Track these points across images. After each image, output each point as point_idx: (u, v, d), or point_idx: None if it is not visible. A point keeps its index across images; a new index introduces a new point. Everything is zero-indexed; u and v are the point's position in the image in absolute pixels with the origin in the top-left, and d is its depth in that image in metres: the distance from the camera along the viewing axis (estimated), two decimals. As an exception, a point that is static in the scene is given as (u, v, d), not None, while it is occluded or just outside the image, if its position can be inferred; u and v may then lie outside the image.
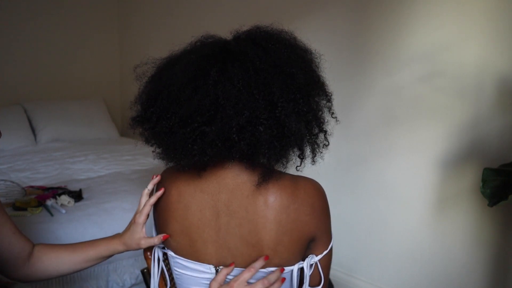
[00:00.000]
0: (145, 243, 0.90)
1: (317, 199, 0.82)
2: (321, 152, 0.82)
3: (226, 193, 0.81)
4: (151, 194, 0.91)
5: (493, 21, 1.49)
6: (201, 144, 0.74)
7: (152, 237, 0.89)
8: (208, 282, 0.85)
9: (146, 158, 2.59)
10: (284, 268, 0.81)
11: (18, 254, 0.90)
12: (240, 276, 0.78)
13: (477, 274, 1.61)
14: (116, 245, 0.94)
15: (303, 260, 0.85)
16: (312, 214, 0.81)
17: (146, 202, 0.89)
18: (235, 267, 0.82)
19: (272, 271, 0.79)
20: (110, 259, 1.71)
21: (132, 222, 0.92)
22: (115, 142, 3.18)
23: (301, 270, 0.85)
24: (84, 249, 0.95)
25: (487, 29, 1.51)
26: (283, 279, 0.80)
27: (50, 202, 1.79)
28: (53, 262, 0.94)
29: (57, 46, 3.42)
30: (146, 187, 0.91)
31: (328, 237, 0.87)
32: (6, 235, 0.89)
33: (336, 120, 0.85)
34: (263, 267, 0.80)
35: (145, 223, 0.90)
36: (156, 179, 0.90)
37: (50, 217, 1.70)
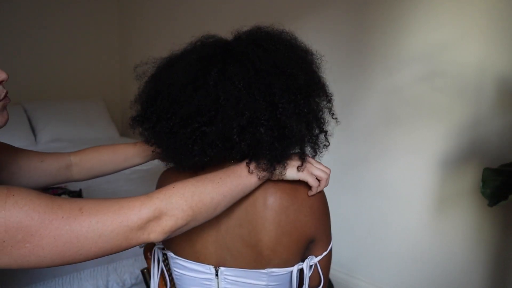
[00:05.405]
0: None
1: (316, 201, 0.82)
2: (322, 153, 0.82)
3: (226, 193, 0.81)
4: None
5: (493, 21, 1.49)
6: (201, 145, 0.74)
7: None
8: (208, 283, 0.85)
9: (146, 158, 2.58)
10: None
11: (57, 172, 0.94)
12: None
13: (477, 274, 1.61)
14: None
15: (303, 261, 0.85)
16: (311, 215, 0.81)
17: None
18: (235, 267, 0.82)
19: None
20: (110, 258, 1.74)
21: None
22: (115, 142, 3.17)
23: (301, 271, 0.85)
24: (124, 148, 0.98)
25: (487, 29, 1.51)
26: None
27: (50, 202, 1.78)
28: (96, 163, 0.97)
29: (57, 46, 3.42)
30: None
31: (328, 238, 0.87)
32: (36, 167, 0.96)
33: (337, 121, 0.85)
34: (263, 267, 0.80)
35: None
36: None
37: (50, 217, 1.70)
